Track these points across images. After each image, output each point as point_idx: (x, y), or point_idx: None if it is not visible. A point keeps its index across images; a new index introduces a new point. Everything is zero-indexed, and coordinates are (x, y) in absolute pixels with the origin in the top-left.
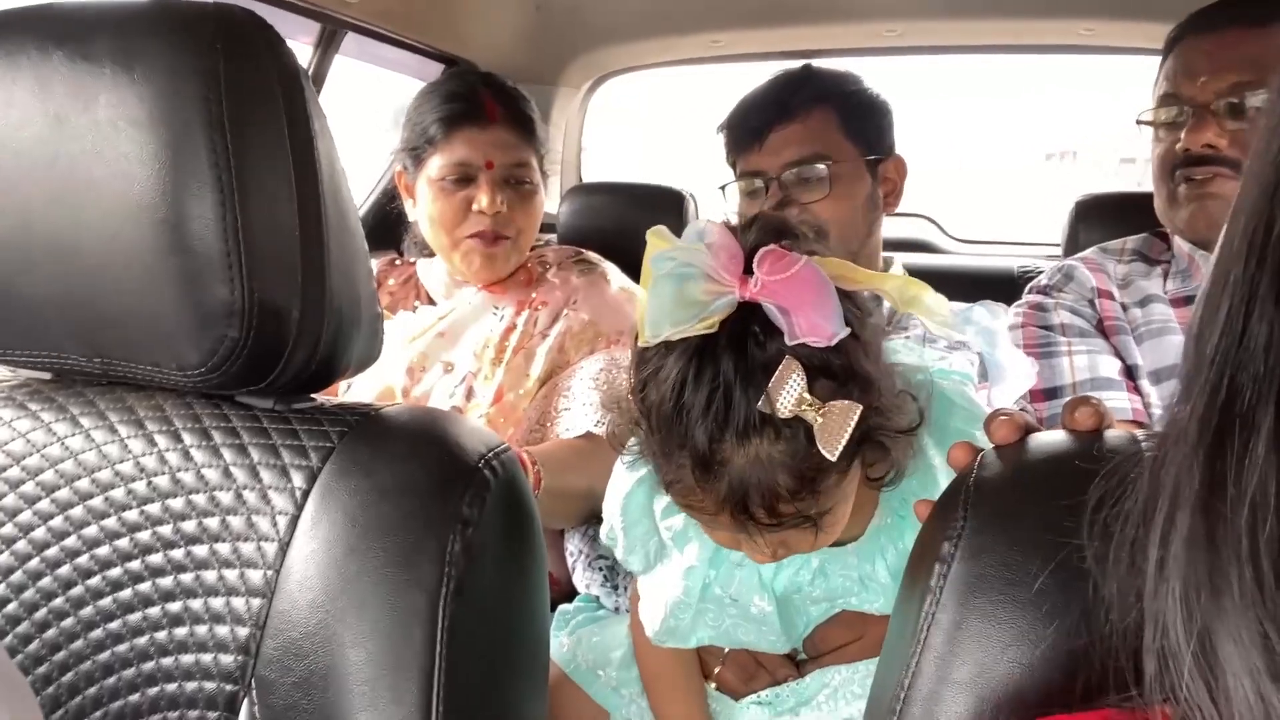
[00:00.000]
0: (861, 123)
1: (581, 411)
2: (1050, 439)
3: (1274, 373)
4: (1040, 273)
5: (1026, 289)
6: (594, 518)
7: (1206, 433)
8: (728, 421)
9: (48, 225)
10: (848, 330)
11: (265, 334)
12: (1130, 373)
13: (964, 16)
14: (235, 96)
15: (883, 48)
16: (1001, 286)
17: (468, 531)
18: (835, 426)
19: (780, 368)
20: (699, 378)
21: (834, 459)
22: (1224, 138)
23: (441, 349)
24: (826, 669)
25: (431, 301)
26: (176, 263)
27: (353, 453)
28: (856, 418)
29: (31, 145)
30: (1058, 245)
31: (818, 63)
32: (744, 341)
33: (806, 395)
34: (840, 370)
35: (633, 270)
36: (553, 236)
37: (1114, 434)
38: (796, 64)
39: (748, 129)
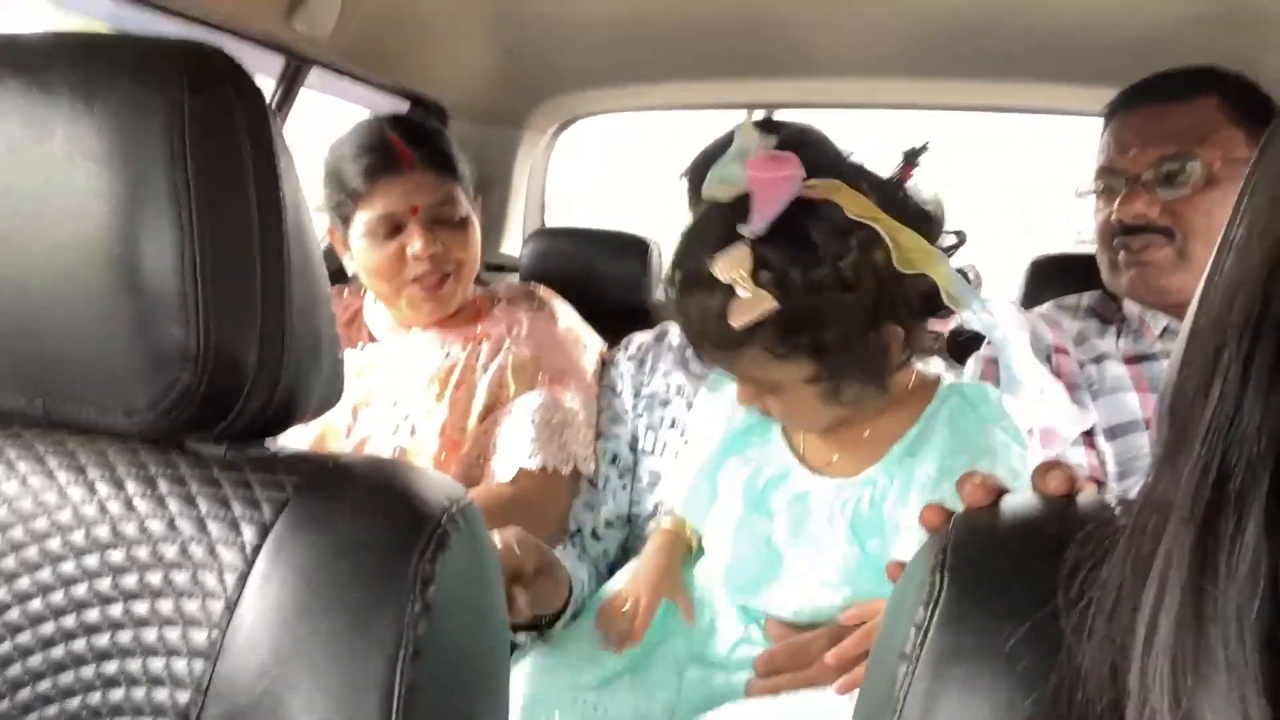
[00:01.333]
0: (822, 174)
1: (516, 446)
2: (1024, 503)
3: (1267, 455)
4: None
5: (985, 341)
6: None
7: (1198, 511)
8: (695, 257)
9: None
10: (761, 232)
11: (220, 378)
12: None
13: (924, 77)
14: (200, 133)
15: (845, 103)
16: (961, 339)
17: (429, 589)
18: (747, 304)
19: (734, 246)
20: (701, 226)
21: (735, 326)
22: (1155, 207)
23: (386, 386)
24: (760, 701)
25: (373, 339)
26: (130, 302)
27: (308, 506)
28: (765, 307)
29: None
30: (1014, 301)
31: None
32: (738, 216)
33: (743, 272)
34: (779, 267)
35: (595, 315)
36: (514, 277)
37: (1085, 499)
38: (760, 113)
39: None
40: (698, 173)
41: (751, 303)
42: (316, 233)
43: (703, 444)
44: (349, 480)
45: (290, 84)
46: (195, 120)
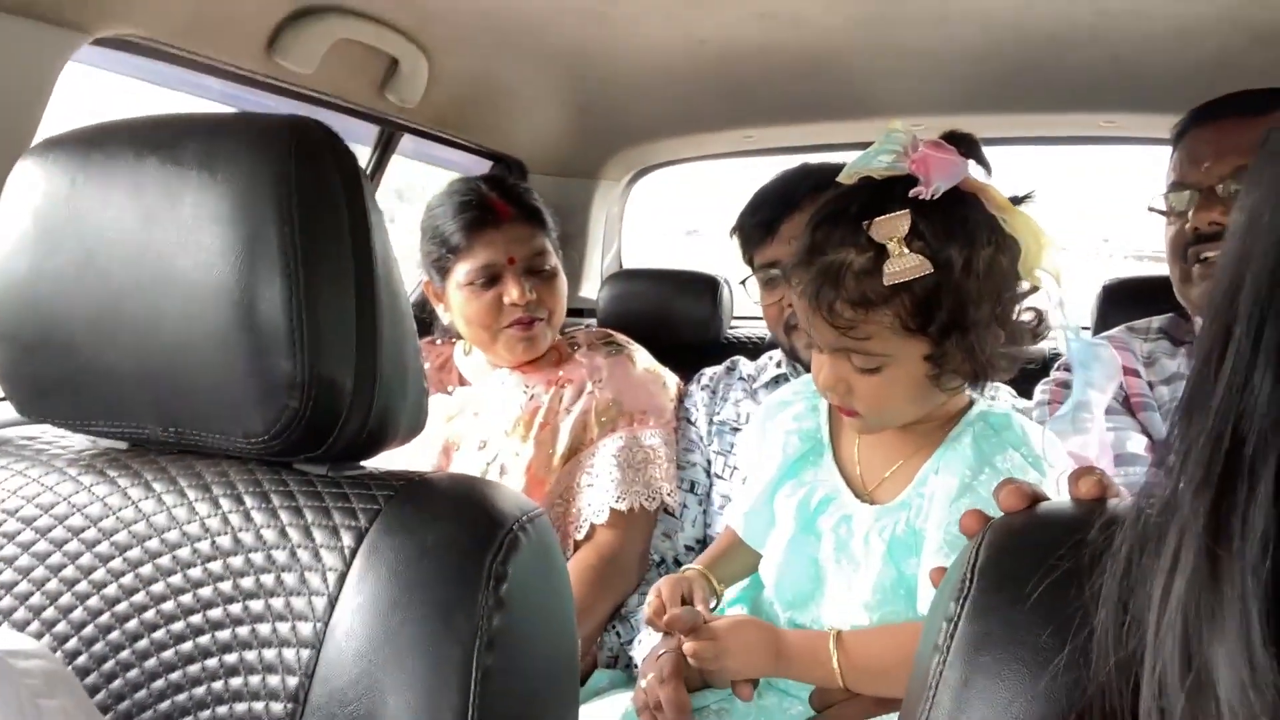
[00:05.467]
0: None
1: (604, 488)
2: (1055, 507)
3: (1278, 423)
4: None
5: (1055, 366)
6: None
7: (1212, 478)
8: (839, 221)
9: (134, 307)
10: (945, 187)
11: (322, 404)
12: (1157, 448)
13: (984, 111)
14: (305, 196)
15: None
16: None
17: (501, 588)
18: (901, 265)
19: (898, 212)
20: (851, 196)
21: (886, 284)
22: (1229, 216)
23: (475, 428)
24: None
25: (465, 383)
26: (247, 339)
27: (398, 514)
28: (922, 272)
29: (124, 239)
30: (1087, 328)
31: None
32: (891, 190)
33: (901, 236)
34: (932, 242)
35: (671, 353)
36: (593, 320)
37: (1115, 503)
38: (819, 158)
39: (758, 224)
40: (745, 227)
41: (907, 263)
42: (406, 282)
43: (761, 471)
44: (432, 492)
45: (384, 149)
46: (300, 185)
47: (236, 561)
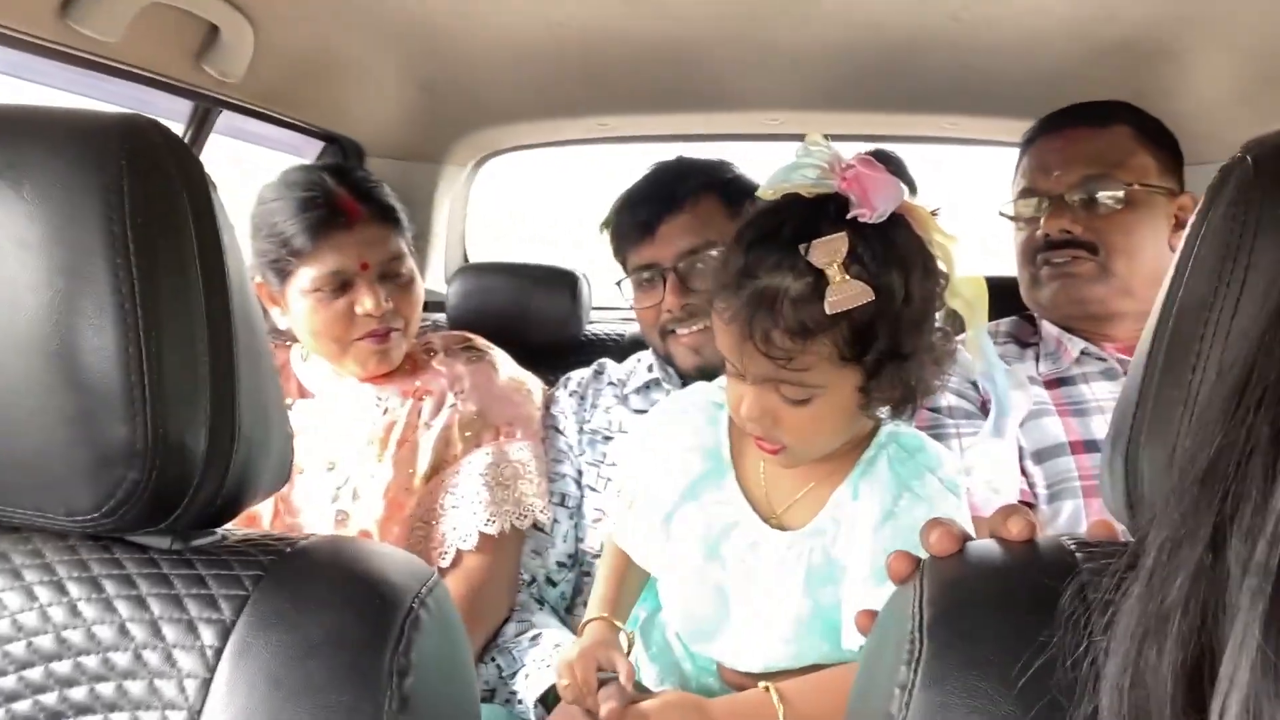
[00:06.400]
0: (742, 206)
1: (471, 510)
2: (988, 550)
3: None
4: None
5: None
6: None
7: (1267, 584)
8: (771, 243)
9: None
10: (889, 210)
11: (169, 472)
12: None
13: (840, 109)
14: (141, 215)
15: (764, 135)
16: None
17: (405, 683)
18: (844, 293)
19: (835, 235)
20: (782, 215)
21: (828, 313)
22: (1078, 224)
23: (322, 448)
24: None
25: (305, 394)
26: (70, 400)
27: (272, 601)
28: (865, 299)
29: None
30: None
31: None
32: (822, 211)
33: (839, 261)
34: (871, 267)
35: (527, 350)
36: (441, 316)
37: (1045, 543)
38: (674, 148)
39: (635, 223)
40: (620, 225)
41: (850, 290)
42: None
43: (658, 493)
44: (311, 569)
45: (199, 128)
46: (135, 202)
47: (63, 668)
